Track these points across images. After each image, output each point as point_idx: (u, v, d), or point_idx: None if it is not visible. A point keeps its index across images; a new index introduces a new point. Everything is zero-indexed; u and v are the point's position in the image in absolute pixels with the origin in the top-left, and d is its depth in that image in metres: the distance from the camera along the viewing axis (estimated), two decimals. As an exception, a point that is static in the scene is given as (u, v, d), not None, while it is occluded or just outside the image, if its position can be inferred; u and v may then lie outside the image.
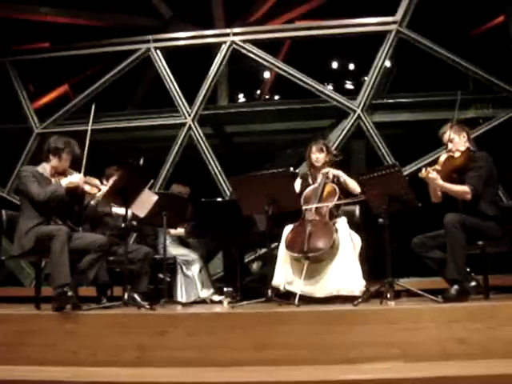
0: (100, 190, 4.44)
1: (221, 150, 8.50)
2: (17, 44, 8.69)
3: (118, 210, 5.07)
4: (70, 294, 3.92)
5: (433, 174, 4.06)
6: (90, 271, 4.26)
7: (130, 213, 4.84)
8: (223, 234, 5.39)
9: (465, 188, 4.10)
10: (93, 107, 4.52)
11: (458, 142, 4.25)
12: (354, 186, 4.81)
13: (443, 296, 3.90)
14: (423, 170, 4.10)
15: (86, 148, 4.37)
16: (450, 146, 4.27)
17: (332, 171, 4.92)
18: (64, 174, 4.43)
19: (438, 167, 4.12)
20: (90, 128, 4.43)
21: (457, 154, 4.19)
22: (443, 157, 4.20)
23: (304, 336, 3.52)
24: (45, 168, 4.43)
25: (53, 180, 4.39)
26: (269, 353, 3.49)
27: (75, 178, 4.31)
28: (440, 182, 4.09)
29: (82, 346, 3.67)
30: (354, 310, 3.78)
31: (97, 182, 4.51)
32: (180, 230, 5.75)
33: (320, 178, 4.96)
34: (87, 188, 4.40)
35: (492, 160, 4.21)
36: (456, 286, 3.92)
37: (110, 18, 9.75)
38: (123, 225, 4.63)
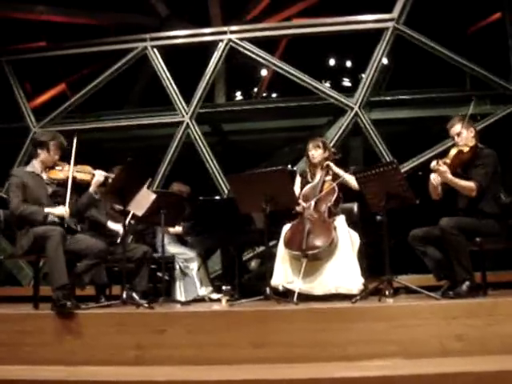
0: (94, 175, 4.39)
1: (218, 148, 8.50)
2: (14, 43, 8.66)
3: (113, 226, 5.10)
4: (68, 294, 3.91)
5: (443, 168, 4.03)
6: (86, 275, 4.27)
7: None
8: (221, 232, 5.38)
9: (471, 184, 4.08)
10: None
11: (465, 136, 4.24)
12: (354, 182, 4.77)
13: (455, 292, 3.90)
14: (434, 162, 4.06)
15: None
16: (456, 139, 4.26)
17: (333, 167, 4.88)
18: (53, 167, 4.38)
19: (447, 160, 4.09)
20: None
21: (466, 149, 4.17)
22: (453, 150, 4.17)
23: (302, 334, 3.52)
24: (34, 165, 4.39)
25: (44, 176, 4.35)
26: (267, 351, 3.49)
27: (59, 211, 4.23)
28: (449, 175, 4.06)
29: (80, 345, 3.68)
30: (352, 308, 3.78)
31: (88, 168, 4.45)
32: (178, 229, 5.74)
33: (319, 174, 4.95)
34: (81, 176, 4.37)
35: (498, 158, 4.20)
36: (468, 283, 3.92)
37: (106, 17, 9.73)
38: (123, 224, 4.62)
